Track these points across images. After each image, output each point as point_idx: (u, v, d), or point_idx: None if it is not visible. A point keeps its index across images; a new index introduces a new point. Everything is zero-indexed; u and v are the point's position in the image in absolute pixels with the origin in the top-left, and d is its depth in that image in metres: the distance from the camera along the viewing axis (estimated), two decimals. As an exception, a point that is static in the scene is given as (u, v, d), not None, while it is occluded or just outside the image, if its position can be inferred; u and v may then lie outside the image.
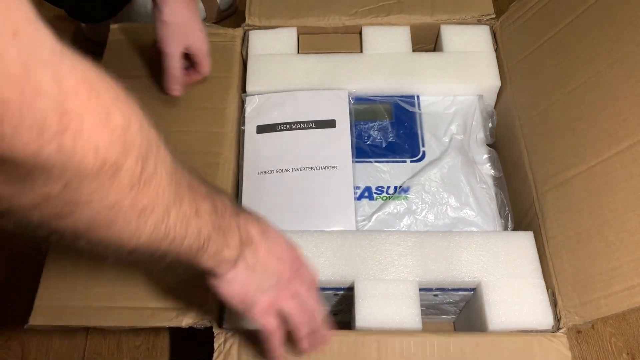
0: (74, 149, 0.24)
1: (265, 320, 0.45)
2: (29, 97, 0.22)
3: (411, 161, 0.63)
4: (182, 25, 0.59)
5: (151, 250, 0.34)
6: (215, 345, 0.49)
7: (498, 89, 0.67)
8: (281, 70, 0.68)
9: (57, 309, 0.52)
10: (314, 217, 0.60)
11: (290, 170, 0.62)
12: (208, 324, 0.51)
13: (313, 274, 0.48)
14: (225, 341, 0.49)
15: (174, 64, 0.61)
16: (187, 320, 0.51)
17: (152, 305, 0.51)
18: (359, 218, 0.60)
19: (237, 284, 0.42)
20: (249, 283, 0.42)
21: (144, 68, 0.67)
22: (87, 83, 0.25)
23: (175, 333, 0.72)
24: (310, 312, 0.46)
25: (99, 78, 0.25)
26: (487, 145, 0.67)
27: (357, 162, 0.63)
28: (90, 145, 0.25)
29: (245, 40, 0.71)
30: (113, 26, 0.71)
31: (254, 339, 0.49)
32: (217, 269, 0.40)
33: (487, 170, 0.64)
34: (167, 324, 0.50)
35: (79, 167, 0.25)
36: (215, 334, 0.50)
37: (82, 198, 0.27)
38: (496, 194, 0.62)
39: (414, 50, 0.70)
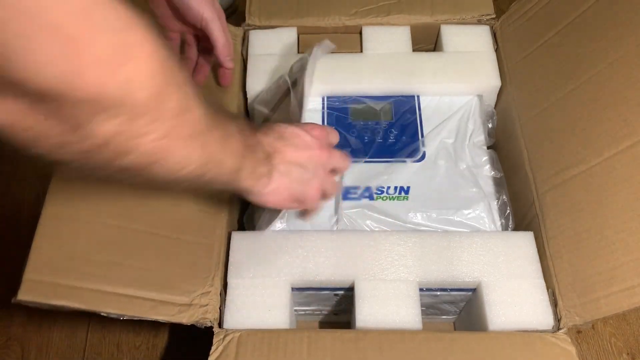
0: (135, 79, 0.26)
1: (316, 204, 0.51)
2: (95, 31, 0.24)
3: (411, 161, 0.63)
4: None
5: (199, 176, 0.36)
6: (214, 342, 0.49)
7: (498, 89, 0.67)
8: (281, 70, 0.67)
9: (48, 286, 0.46)
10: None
11: None
12: (209, 324, 0.51)
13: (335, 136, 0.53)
14: (224, 338, 0.49)
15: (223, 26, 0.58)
16: (188, 317, 0.50)
17: (153, 297, 0.49)
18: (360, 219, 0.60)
19: (281, 191, 0.45)
20: (291, 185, 0.45)
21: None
22: (135, 19, 0.26)
23: (175, 333, 0.72)
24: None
25: (139, 15, 0.27)
26: (487, 145, 0.67)
27: (356, 162, 0.63)
28: (146, 74, 0.27)
29: (245, 40, 0.71)
30: None
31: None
32: (256, 187, 0.43)
33: (487, 170, 0.64)
34: (168, 319, 0.49)
35: (138, 98, 0.27)
36: (215, 333, 0.50)
37: (141, 130, 0.29)
38: (496, 194, 0.62)
39: (414, 50, 0.70)
